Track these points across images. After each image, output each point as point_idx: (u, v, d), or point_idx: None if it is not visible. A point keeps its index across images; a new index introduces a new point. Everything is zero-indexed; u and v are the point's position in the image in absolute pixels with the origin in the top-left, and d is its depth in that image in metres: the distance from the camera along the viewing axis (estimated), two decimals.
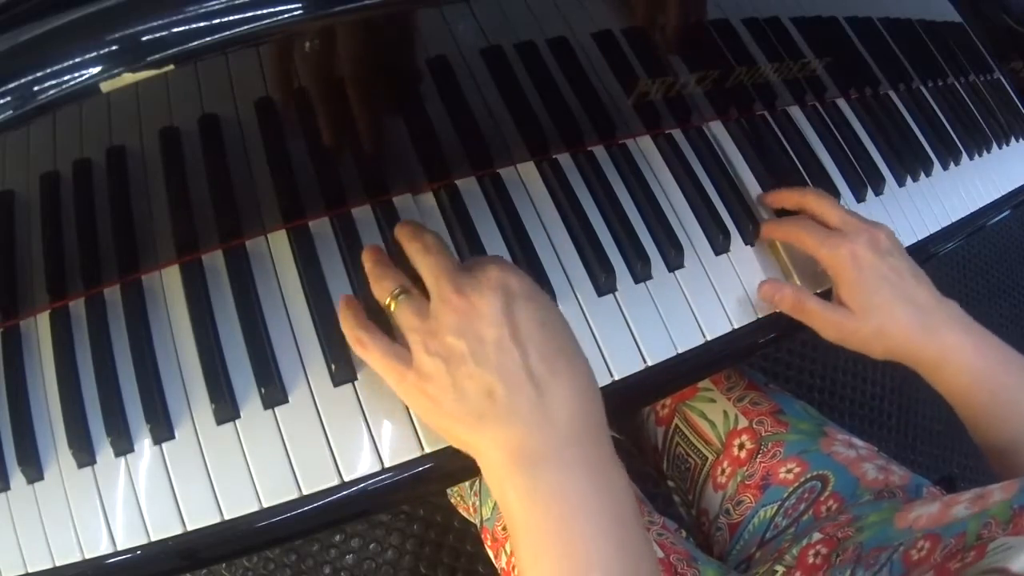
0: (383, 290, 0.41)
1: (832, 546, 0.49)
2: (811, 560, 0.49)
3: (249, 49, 0.35)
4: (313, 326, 0.46)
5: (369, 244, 0.46)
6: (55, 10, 0.32)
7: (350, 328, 0.41)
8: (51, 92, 0.32)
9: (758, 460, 0.60)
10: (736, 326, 0.53)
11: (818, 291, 0.55)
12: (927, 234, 0.65)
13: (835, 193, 0.60)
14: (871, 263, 0.49)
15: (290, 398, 0.44)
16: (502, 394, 0.36)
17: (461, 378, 0.37)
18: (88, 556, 0.41)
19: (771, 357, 1.32)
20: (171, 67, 0.33)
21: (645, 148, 0.57)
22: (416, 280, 0.42)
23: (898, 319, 0.48)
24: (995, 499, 0.39)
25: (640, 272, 0.51)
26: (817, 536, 0.51)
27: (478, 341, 0.37)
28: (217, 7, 0.32)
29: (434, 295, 0.39)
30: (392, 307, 0.41)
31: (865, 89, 0.70)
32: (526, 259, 0.49)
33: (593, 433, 0.37)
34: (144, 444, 0.43)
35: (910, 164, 0.67)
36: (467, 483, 0.68)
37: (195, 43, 0.32)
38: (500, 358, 0.36)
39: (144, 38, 0.32)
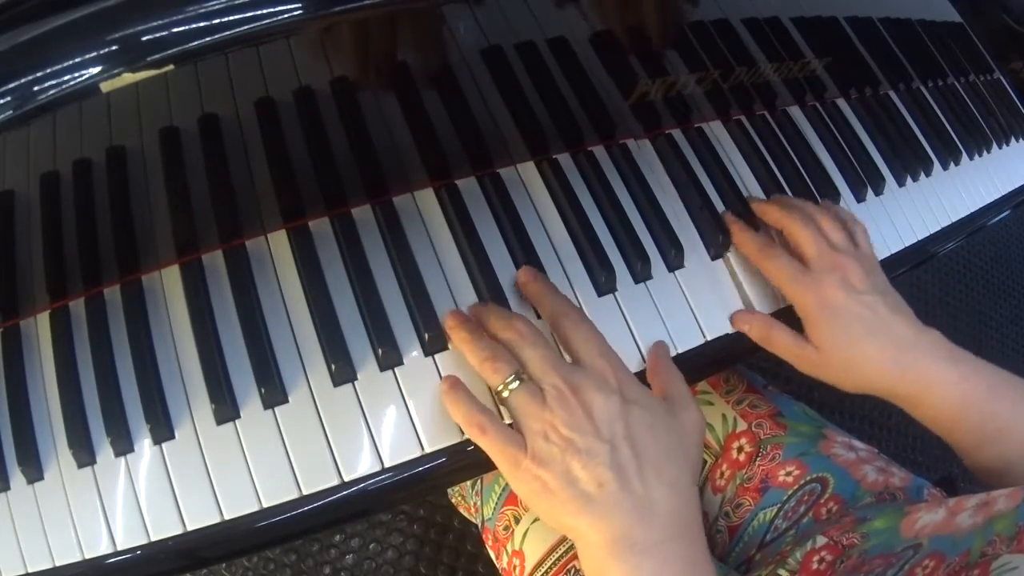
0: (496, 373, 0.42)
1: (837, 553, 0.49)
2: (815, 566, 0.49)
3: (249, 49, 0.35)
4: (313, 326, 0.46)
5: (451, 312, 0.46)
6: (55, 10, 0.32)
7: (466, 413, 0.42)
8: (51, 92, 0.32)
9: (757, 463, 0.60)
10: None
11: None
12: (927, 234, 0.65)
13: (835, 193, 0.60)
14: (841, 304, 0.48)
15: (290, 398, 0.44)
16: (612, 488, 0.38)
17: (575, 468, 0.39)
18: (88, 556, 0.41)
19: (771, 357, 1.31)
20: (171, 67, 0.33)
21: (645, 148, 0.57)
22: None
23: (868, 357, 0.47)
24: (999, 508, 0.39)
25: (640, 272, 0.51)
26: (821, 540, 0.50)
27: (593, 438, 0.39)
28: (217, 7, 0.32)
29: (546, 387, 0.41)
30: (505, 393, 0.41)
31: (865, 89, 0.70)
32: (526, 259, 0.49)
33: (692, 531, 0.39)
34: (144, 444, 0.43)
35: (910, 164, 0.67)
36: (468, 483, 0.68)
37: (195, 43, 0.33)
38: (613, 457, 0.39)
39: (144, 38, 0.32)
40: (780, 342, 0.51)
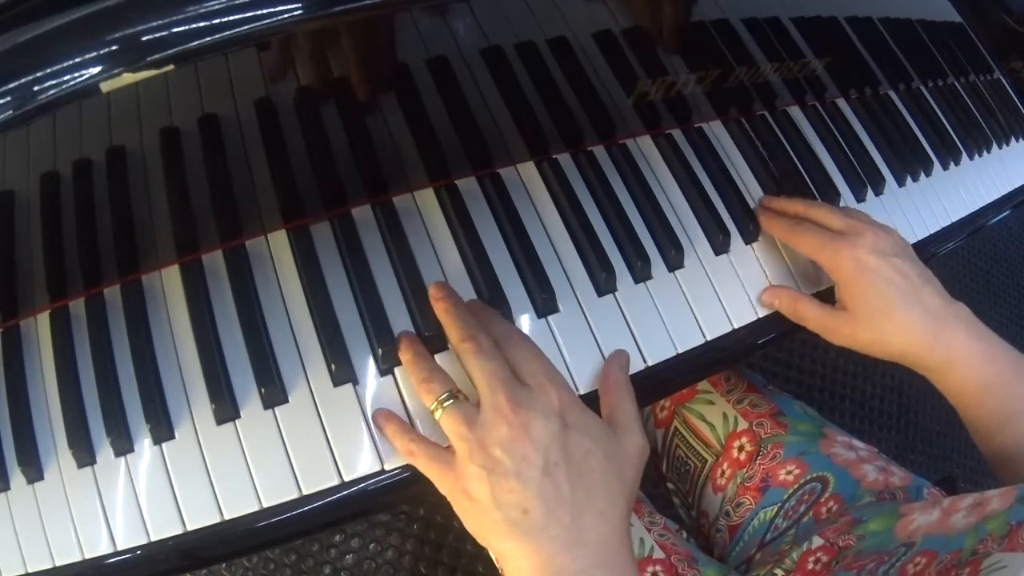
0: (430, 394, 0.42)
1: (832, 554, 0.49)
2: (811, 566, 0.49)
3: (249, 49, 0.35)
4: (313, 326, 0.45)
5: (405, 333, 0.45)
6: (55, 10, 0.32)
7: (399, 438, 0.42)
8: (51, 92, 0.32)
9: (758, 462, 0.60)
10: (736, 326, 0.53)
11: (819, 289, 0.55)
12: (927, 234, 0.65)
13: (835, 193, 0.60)
14: (875, 266, 0.48)
15: (290, 398, 0.44)
16: (539, 514, 0.37)
17: (501, 491, 0.38)
18: (88, 556, 0.41)
19: (771, 357, 1.32)
20: (171, 67, 0.33)
21: (645, 148, 0.57)
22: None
23: (902, 323, 0.47)
24: (993, 507, 0.39)
25: (640, 272, 0.51)
26: (818, 541, 0.50)
27: (525, 461, 0.38)
28: (217, 7, 0.32)
29: (486, 404, 0.40)
30: (438, 413, 0.41)
31: (865, 89, 0.70)
32: (526, 259, 0.49)
33: (619, 559, 0.39)
34: (144, 444, 0.43)
35: (910, 164, 0.67)
36: None
37: (195, 43, 0.32)
38: (543, 482, 0.38)
39: (144, 38, 0.32)
40: (809, 313, 0.51)
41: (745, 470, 0.60)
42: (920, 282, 0.48)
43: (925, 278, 0.49)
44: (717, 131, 0.61)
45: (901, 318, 0.47)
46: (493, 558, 0.62)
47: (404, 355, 0.44)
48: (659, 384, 0.51)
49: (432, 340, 0.46)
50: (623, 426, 0.43)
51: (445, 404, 0.41)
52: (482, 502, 0.38)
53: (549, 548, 0.37)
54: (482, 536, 0.40)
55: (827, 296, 0.53)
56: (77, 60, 0.32)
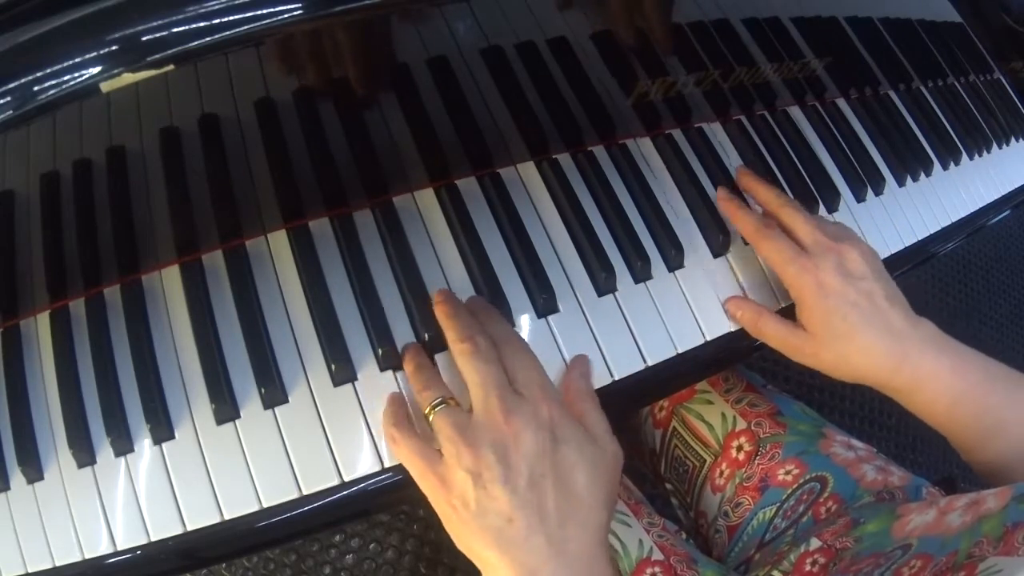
0: (424, 399, 0.42)
1: (830, 556, 0.49)
2: (808, 568, 0.49)
3: (249, 49, 0.35)
4: (313, 326, 0.46)
5: (411, 345, 0.46)
6: (55, 10, 0.32)
7: (387, 424, 0.43)
8: (51, 92, 0.32)
9: (756, 462, 0.60)
10: (736, 326, 0.53)
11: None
12: (927, 234, 0.65)
13: (835, 193, 0.60)
14: (837, 290, 0.47)
15: (290, 398, 0.44)
16: (523, 524, 0.37)
17: (487, 499, 0.38)
18: (88, 556, 0.41)
19: (771, 357, 1.31)
20: (171, 67, 0.33)
21: (645, 148, 0.57)
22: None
23: (864, 346, 0.46)
24: (988, 507, 0.39)
25: (640, 272, 0.51)
26: (816, 543, 0.50)
27: (512, 469, 0.38)
28: (217, 7, 0.33)
29: (478, 407, 0.40)
30: (431, 416, 0.41)
31: (865, 89, 0.70)
32: (526, 259, 0.49)
33: (596, 567, 0.39)
34: (144, 444, 0.43)
35: (910, 164, 0.67)
36: None
37: (195, 43, 0.33)
38: (528, 493, 0.38)
39: (144, 38, 0.32)
40: (771, 330, 0.50)
41: (744, 470, 0.60)
42: (886, 304, 0.47)
43: (891, 299, 0.48)
44: (717, 131, 0.61)
45: (864, 341, 0.46)
46: None
47: (408, 366, 0.44)
48: (659, 384, 0.52)
49: (433, 341, 0.46)
50: (599, 436, 0.42)
51: (437, 408, 0.41)
52: (466, 507, 0.38)
53: (531, 559, 0.37)
54: (463, 541, 0.39)
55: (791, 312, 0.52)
56: (77, 60, 0.32)
